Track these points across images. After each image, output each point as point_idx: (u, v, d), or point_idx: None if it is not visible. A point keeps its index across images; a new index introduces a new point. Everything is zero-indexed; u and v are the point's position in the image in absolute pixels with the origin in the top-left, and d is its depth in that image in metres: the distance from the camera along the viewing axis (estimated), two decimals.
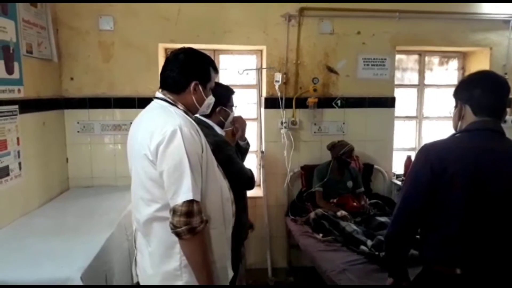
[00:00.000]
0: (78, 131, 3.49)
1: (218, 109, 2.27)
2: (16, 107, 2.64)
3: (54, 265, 1.96)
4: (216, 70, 1.83)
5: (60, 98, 3.41)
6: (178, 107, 1.68)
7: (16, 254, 2.08)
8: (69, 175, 3.52)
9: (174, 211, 1.48)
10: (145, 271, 1.67)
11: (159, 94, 1.72)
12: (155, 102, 1.71)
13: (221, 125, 2.33)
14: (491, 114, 1.52)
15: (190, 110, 1.74)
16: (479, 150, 1.47)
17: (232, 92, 2.39)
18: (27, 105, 2.80)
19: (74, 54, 3.42)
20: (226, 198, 1.75)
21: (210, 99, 1.83)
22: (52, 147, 3.25)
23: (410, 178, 1.57)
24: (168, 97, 1.69)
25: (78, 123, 3.48)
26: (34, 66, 2.94)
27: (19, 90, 2.69)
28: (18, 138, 2.66)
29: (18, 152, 2.67)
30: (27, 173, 2.77)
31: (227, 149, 2.17)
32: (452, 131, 1.64)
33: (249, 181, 2.28)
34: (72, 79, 3.44)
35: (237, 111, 2.43)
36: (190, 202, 1.48)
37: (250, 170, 2.30)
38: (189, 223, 1.47)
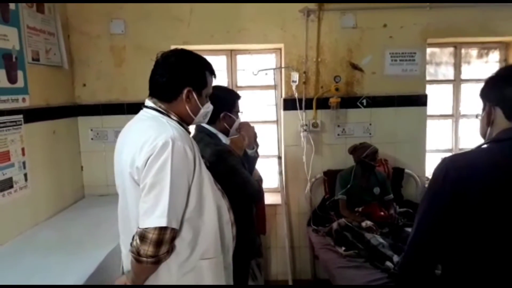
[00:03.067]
0: (92, 138, 3.41)
1: (222, 115, 2.09)
2: (20, 116, 2.57)
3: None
4: (213, 74, 1.63)
5: (73, 105, 3.34)
6: (171, 117, 1.50)
7: (9, 273, 1.98)
8: (84, 184, 3.46)
9: (143, 236, 1.31)
10: None
11: (148, 102, 1.54)
12: (145, 112, 1.53)
13: (226, 133, 2.14)
14: None
15: (184, 121, 1.55)
16: None
17: (237, 96, 2.20)
18: (34, 114, 2.72)
19: (86, 60, 3.35)
20: (226, 221, 1.56)
21: (207, 108, 1.63)
22: (65, 156, 3.18)
23: (426, 202, 1.27)
24: (159, 106, 1.51)
25: (91, 130, 3.40)
26: (42, 74, 2.87)
27: (23, 99, 2.62)
28: (23, 149, 2.58)
29: (24, 163, 2.59)
30: (35, 184, 2.69)
31: (230, 159, 1.97)
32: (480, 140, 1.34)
33: (256, 194, 2.06)
34: (84, 85, 3.37)
35: (243, 117, 2.23)
36: (163, 229, 1.31)
37: (257, 182, 2.09)
38: (156, 254, 1.32)
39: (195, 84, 1.54)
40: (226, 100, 2.12)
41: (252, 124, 2.25)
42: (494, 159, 1.19)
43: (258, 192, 2.07)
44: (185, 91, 1.50)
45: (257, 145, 2.27)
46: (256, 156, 2.24)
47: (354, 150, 3.17)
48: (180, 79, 1.50)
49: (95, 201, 3.29)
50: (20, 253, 2.25)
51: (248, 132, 2.17)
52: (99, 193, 3.43)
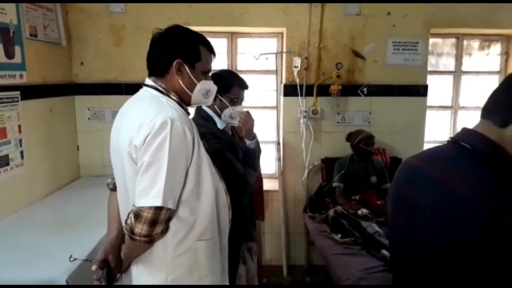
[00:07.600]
0: (88, 118, 3.37)
1: None
2: (17, 93, 2.52)
3: (42, 265, 1.83)
4: (211, 50, 1.56)
5: (70, 83, 3.28)
6: (170, 97, 1.47)
7: (6, 251, 1.97)
8: (80, 164, 3.42)
9: (138, 215, 1.30)
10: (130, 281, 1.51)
11: (148, 81, 1.51)
12: (144, 91, 1.50)
13: (220, 116, 2.09)
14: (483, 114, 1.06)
15: (182, 99, 1.52)
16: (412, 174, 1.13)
17: (238, 83, 2.11)
18: (31, 91, 2.67)
19: (84, 38, 3.28)
20: (223, 204, 1.54)
21: (204, 84, 1.53)
22: (61, 135, 3.14)
23: None
24: (160, 85, 1.48)
25: (88, 109, 3.35)
26: (40, 50, 2.81)
27: (21, 76, 2.56)
28: (19, 126, 2.55)
29: (20, 140, 2.56)
30: (31, 162, 2.66)
31: (212, 142, 1.89)
32: None
33: (240, 180, 2.00)
34: (82, 63, 3.31)
35: (245, 107, 2.17)
36: (159, 209, 1.29)
37: (243, 168, 2.03)
38: (150, 234, 1.31)
39: (186, 56, 1.47)
40: (221, 81, 2.03)
41: (252, 117, 2.16)
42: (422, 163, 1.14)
43: (242, 178, 2.01)
44: (175, 63, 1.45)
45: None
46: (256, 148, 2.17)
47: (349, 137, 3.19)
48: (169, 51, 1.45)
49: (91, 181, 3.27)
50: (15, 231, 2.23)
51: (246, 123, 2.09)
52: (95, 174, 3.40)
